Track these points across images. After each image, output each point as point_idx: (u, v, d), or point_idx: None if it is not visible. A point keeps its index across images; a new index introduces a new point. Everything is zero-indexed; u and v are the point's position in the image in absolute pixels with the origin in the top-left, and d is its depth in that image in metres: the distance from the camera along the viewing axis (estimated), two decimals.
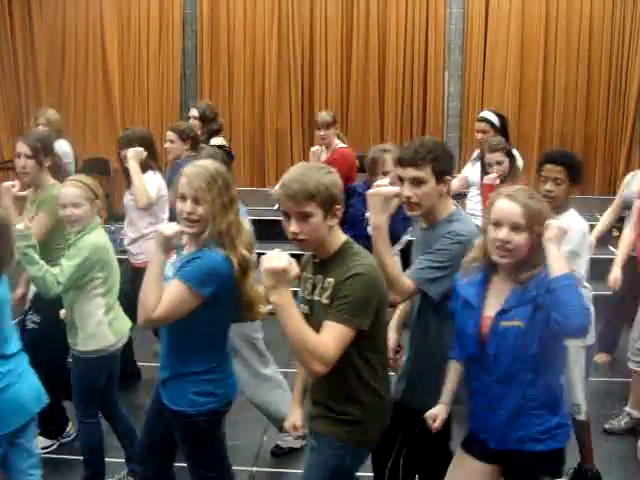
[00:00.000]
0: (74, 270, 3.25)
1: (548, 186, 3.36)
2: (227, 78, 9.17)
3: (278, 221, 2.51)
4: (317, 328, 2.31)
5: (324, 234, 2.38)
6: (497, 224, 2.39)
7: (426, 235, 2.81)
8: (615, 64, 8.62)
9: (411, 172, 2.68)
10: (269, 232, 4.26)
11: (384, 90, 9.02)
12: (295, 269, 2.24)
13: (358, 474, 2.63)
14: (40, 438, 3.97)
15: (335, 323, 2.30)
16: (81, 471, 3.63)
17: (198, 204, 2.59)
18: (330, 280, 2.38)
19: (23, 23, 9.24)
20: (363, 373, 2.43)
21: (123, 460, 3.74)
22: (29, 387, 2.93)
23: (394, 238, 3.25)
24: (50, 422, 3.92)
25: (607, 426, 4.30)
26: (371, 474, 3.01)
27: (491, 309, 2.46)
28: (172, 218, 3.55)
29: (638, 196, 4.34)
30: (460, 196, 4.97)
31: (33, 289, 3.84)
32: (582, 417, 3.55)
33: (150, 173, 4.56)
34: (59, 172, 4.09)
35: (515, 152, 4.67)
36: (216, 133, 5.54)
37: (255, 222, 3.52)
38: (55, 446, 4.10)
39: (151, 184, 4.51)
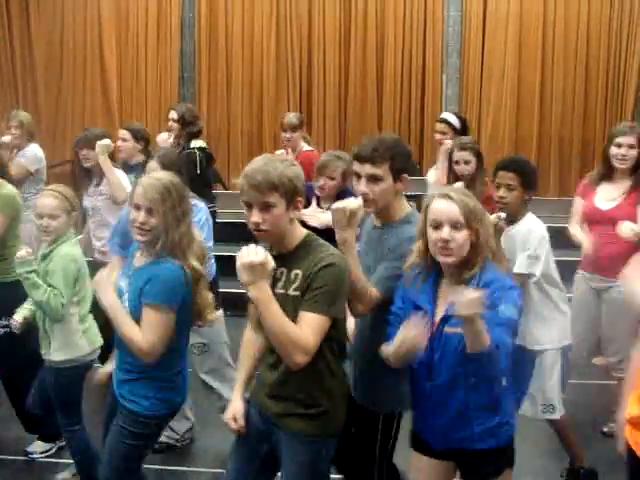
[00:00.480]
0: (65, 283, 3.27)
1: (501, 192, 3.41)
2: (225, 79, 9.21)
3: None
4: None
5: (285, 225, 2.39)
6: (437, 225, 2.38)
7: (379, 233, 2.77)
8: (612, 66, 8.59)
9: (368, 169, 2.65)
10: None
11: (382, 92, 9.05)
12: (272, 262, 2.27)
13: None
14: (38, 442, 4.05)
15: (312, 313, 2.31)
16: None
17: (151, 215, 2.65)
18: (297, 272, 2.38)
19: (21, 23, 9.29)
20: (330, 361, 2.45)
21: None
22: None
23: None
24: (47, 426, 3.93)
25: (606, 429, 4.23)
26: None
27: (439, 314, 2.45)
28: None
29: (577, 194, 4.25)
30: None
31: None
32: (556, 416, 3.56)
33: (116, 170, 4.53)
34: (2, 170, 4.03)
35: None
36: (196, 135, 5.50)
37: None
38: (53, 450, 4.07)
39: (124, 179, 4.47)
